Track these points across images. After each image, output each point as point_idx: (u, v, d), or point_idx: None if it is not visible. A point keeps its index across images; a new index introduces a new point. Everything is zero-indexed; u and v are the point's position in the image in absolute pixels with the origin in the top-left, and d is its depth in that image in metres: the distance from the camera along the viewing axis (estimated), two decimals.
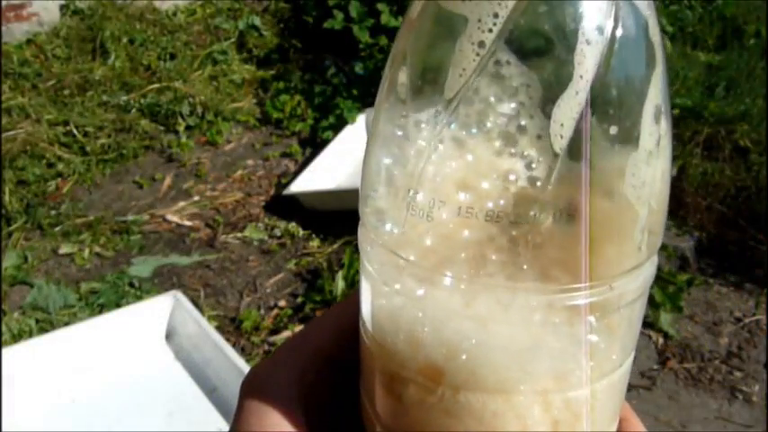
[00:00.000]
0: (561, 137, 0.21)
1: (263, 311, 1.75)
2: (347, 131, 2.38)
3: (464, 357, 0.23)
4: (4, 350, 1.18)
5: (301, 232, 2.05)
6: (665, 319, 1.56)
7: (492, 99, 0.22)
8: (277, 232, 2.06)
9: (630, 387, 1.45)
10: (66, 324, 1.53)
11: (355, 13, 2.74)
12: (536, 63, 0.21)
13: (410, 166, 0.23)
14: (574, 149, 0.21)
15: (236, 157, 2.53)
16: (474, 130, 0.22)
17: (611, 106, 0.21)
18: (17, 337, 1.59)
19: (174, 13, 3.24)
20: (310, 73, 2.88)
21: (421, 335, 0.24)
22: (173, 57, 2.94)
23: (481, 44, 0.21)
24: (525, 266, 0.22)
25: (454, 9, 0.22)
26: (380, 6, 2.72)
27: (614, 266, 0.23)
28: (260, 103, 2.81)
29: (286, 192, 2.15)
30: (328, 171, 2.19)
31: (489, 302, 0.23)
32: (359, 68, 2.67)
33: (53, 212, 2.18)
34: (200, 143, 2.60)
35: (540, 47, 0.21)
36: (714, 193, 1.83)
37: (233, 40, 3.12)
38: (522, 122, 0.22)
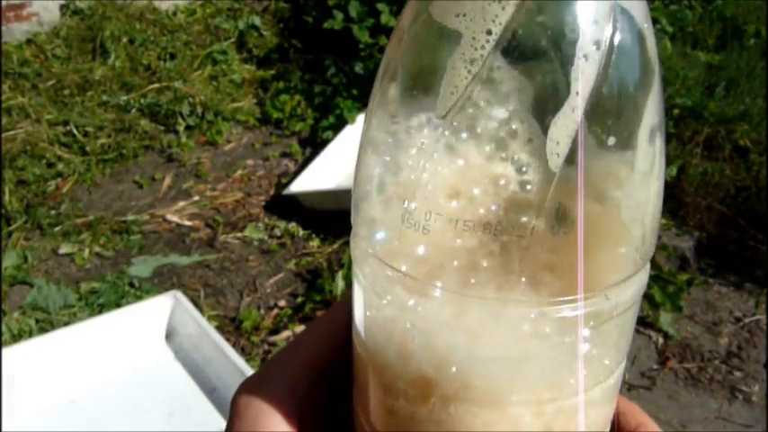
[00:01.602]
0: (558, 155, 0.21)
1: (263, 311, 1.75)
2: (347, 131, 2.38)
3: (454, 369, 0.23)
4: (4, 350, 1.18)
5: (301, 232, 2.05)
6: (665, 319, 1.56)
7: (484, 106, 0.21)
8: (277, 232, 2.07)
9: (630, 387, 1.45)
10: (66, 324, 1.53)
11: (355, 13, 2.74)
12: (531, 75, 0.21)
13: (404, 177, 0.23)
14: (568, 161, 0.21)
15: (236, 156, 2.53)
16: (465, 138, 0.22)
17: (606, 125, 0.21)
18: (17, 337, 1.59)
19: (174, 13, 3.24)
20: (310, 73, 2.88)
21: (411, 346, 0.24)
22: (173, 57, 2.94)
23: (473, 62, 0.21)
24: (517, 276, 0.22)
25: (449, 24, 0.21)
26: (380, 6, 2.72)
27: (609, 277, 0.22)
28: (260, 103, 2.81)
29: (286, 192, 2.15)
30: (328, 171, 2.19)
31: (480, 313, 0.22)
32: (359, 68, 2.67)
33: (53, 212, 2.18)
34: (200, 143, 2.60)
35: (535, 63, 0.21)
36: (714, 193, 1.83)
37: (233, 40, 3.12)
38: (514, 127, 0.21)
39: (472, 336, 0.23)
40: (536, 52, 0.21)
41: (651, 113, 0.22)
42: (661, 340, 1.55)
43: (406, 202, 0.23)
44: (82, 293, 1.80)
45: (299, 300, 1.76)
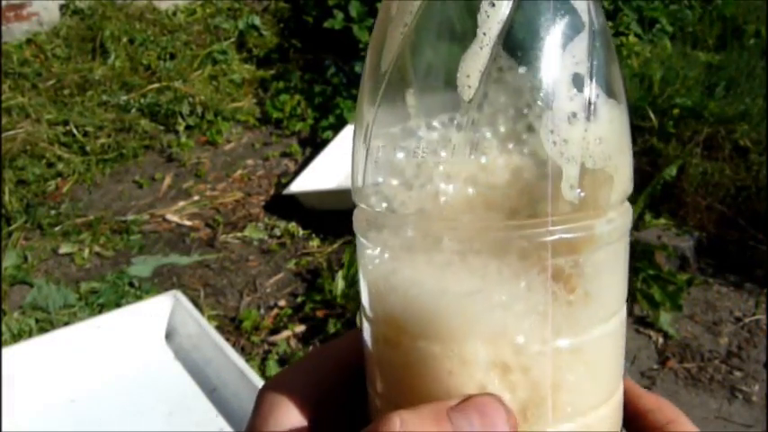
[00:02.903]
0: (469, 87, 0.24)
1: (262, 311, 1.75)
2: (347, 131, 2.38)
3: (417, 306, 0.24)
4: (4, 350, 1.18)
5: (301, 232, 2.05)
6: (665, 318, 1.56)
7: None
8: (277, 232, 2.07)
9: None
10: (66, 324, 1.53)
11: (355, 13, 2.74)
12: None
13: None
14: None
15: (236, 156, 2.53)
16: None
17: (515, 62, 0.24)
18: (17, 337, 1.59)
19: (174, 13, 3.24)
20: (310, 73, 2.88)
21: (383, 287, 0.26)
22: (173, 57, 2.94)
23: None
24: (475, 207, 0.24)
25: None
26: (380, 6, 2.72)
27: (550, 206, 0.24)
28: (260, 103, 2.81)
29: (286, 191, 2.15)
30: (328, 171, 2.19)
31: (449, 247, 0.24)
32: (359, 68, 2.67)
33: (53, 212, 2.18)
34: (200, 143, 2.60)
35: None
36: (714, 193, 1.83)
37: (233, 39, 3.12)
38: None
39: (435, 271, 0.24)
40: None
41: (573, 61, 0.24)
42: (661, 340, 1.55)
43: (369, 141, 0.26)
44: (82, 293, 1.80)
45: (299, 299, 1.76)
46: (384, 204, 0.25)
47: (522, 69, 0.24)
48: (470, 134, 0.24)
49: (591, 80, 0.24)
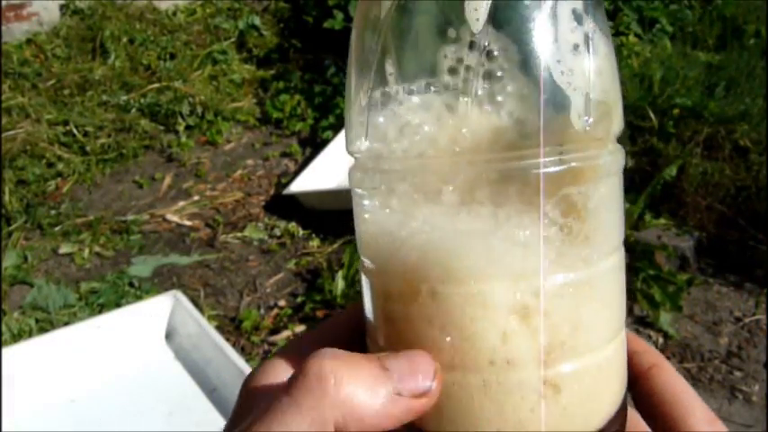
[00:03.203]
0: (477, 20, 0.24)
1: (262, 311, 1.75)
2: None
3: (435, 249, 0.25)
4: (4, 350, 1.18)
5: (301, 232, 2.05)
6: (665, 318, 1.56)
7: None
8: (277, 232, 2.07)
9: None
10: (66, 324, 1.53)
11: None
12: None
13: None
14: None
15: (236, 156, 2.53)
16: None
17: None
18: (17, 337, 1.59)
19: (174, 13, 3.24)
20: (310, 73, 2.88)
21: (399, 235, 0.26)
22: (173, 57, 2.94)
23: None
24: (482, 142, 0.24)
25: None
26: None
27: (560, 135, 0.25)
28: (260, 103, 2.81)
29: (286, 191, 2.15)
30: (328, 171, 2.19)
31: (460, 187, 0.24)
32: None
33: (53, 212, 2.18)
34: (200, 143, 2.60)
35: None
36: (714, 193, 1.83)
37: (233, 39, 3.12)
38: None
39: (445, 217, 0.25)
40: None
41: None
42: (661, 340, 1.55)
43: (372, 87, 0.26)
44: (82, 293, 1.80)
45: (299, 299, 1.76)
46: (391, 149, 0.25)
47: (527, 2, 0.25)
48: (480, 66, 0.24)
49: (587, 15, 0.25)
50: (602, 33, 0.26)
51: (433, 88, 0.25)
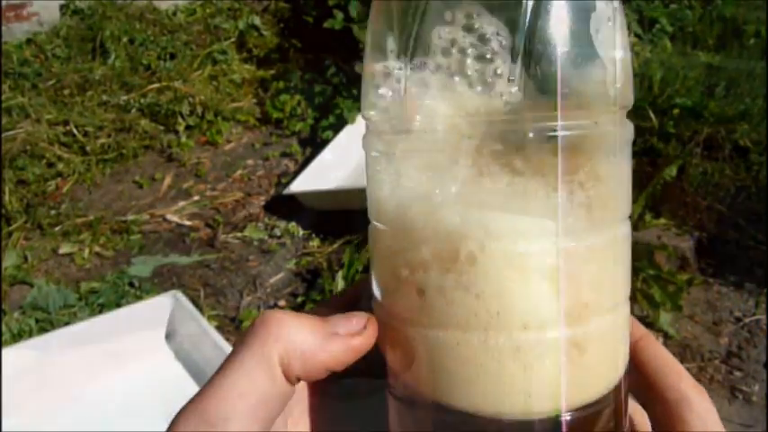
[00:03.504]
0: None
1: (263, 311, 1.75)
2: (347, 131, 2.38)
3: (478, 212, 0.25)
4: (4, 350, 1.18)
5: (301, 232, 2.05)
6: (665, 318, 1.56)
7: None
8: (277, 232, 2.07)
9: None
10: (67, 324, 1.53)
11: (355, 13, 2.74)
12: None
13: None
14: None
15: (236, 156, 2.53)
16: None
17: None
18: (17, 337, 1.59)
19: (174, 13, 3.24)
20: (310, 73, 2.88)
21: (435, 200, 0.26)
22: (173, 56, 2.94)
23: None
24: (505, 107, 0.25)
25: None
26: None
27: (596, 101, 0.26)
28: (260, 103, 2.81)
29: (286, 191, 2.15)
30: (328, 171, 2.19)
31: (488, 153, 0.25)
32: (359, 68, 2.67)
33: (53, 212, 2.18)
34: (200, 143, 2.60)
35: None
36: (714, 193, 1.83)
37: (233, 39, 3.12)
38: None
39: (484, 175, 0.25)
40: None
41: None
42: (661, 340, 1.55)
43: (399, 61, 0.26)
44: (82, 293, 1.80)
45: (299, 300, 1.76)
46: (428, 111, 0.26)
47: None
48: (520, 35, 0.25)
49: None
50: (621, 10, 0.28)
51: (473, 50, 0.25)
